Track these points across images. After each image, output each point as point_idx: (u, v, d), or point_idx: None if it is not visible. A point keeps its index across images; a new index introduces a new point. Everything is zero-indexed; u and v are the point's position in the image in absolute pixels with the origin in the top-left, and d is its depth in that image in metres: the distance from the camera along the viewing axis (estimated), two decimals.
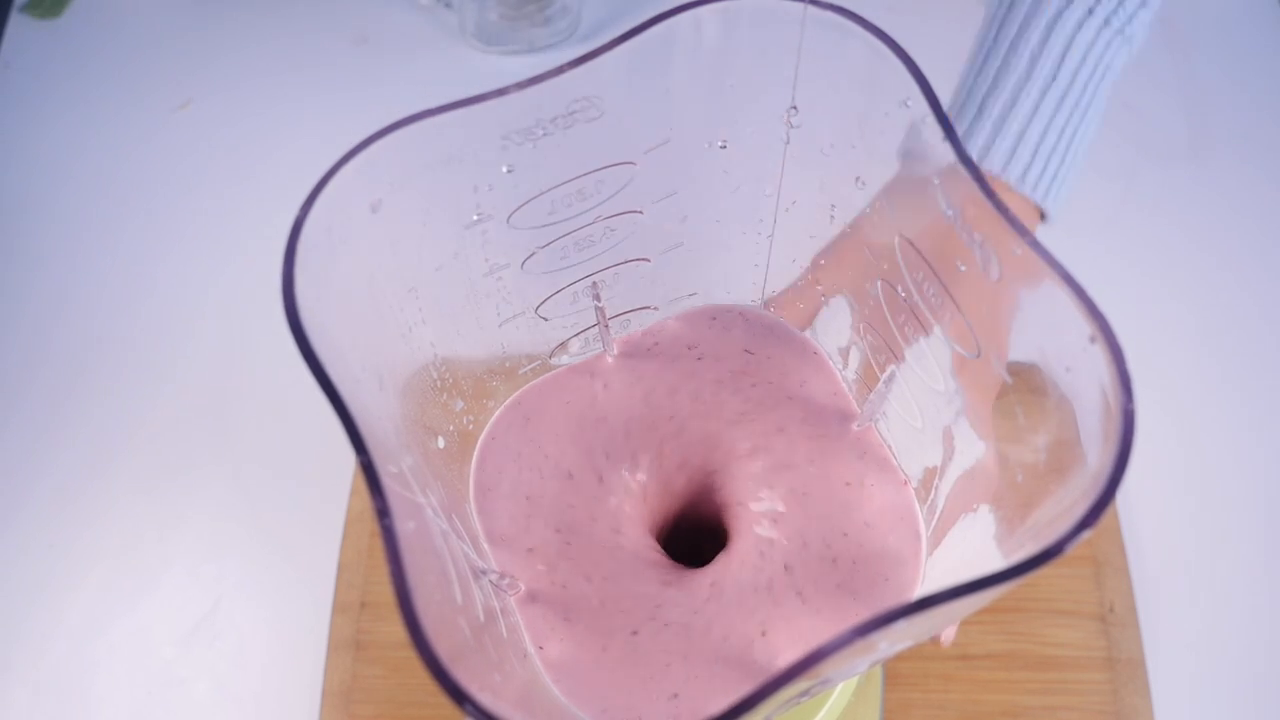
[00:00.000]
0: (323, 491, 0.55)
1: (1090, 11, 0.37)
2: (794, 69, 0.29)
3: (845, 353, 0.36)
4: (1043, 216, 0.39)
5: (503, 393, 0.36)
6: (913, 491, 0.34)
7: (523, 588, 0.33)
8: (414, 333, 0.31)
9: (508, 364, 0.36)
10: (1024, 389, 0.27)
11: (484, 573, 0.31)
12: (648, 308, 0.37)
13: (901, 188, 0.28)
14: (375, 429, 0.24)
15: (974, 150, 0.37)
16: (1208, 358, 0.58)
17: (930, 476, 0.32)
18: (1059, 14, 0.37)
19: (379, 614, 0.51)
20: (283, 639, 0.52)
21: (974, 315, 0.27)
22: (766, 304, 0.36)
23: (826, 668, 0.21)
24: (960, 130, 0.37)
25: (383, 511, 0.22)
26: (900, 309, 0.30)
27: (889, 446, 0.35)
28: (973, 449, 0.29)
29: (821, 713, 0.38)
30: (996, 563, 0.26)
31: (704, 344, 0.37)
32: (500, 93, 0.27)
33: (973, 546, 0.29)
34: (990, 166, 0.37)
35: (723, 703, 0.28)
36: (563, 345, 0.36)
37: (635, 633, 0.32)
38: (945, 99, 0.26)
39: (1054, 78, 0.37)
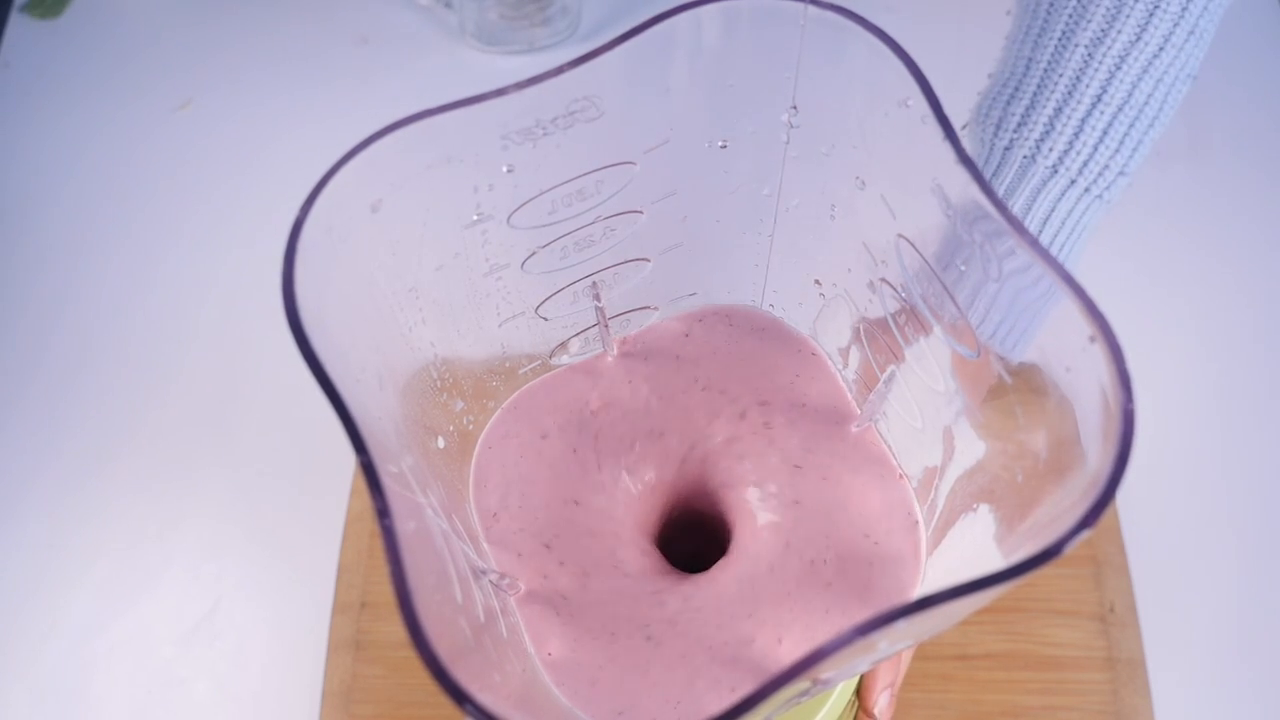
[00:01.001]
0: (323, 491, 0.55)
1: (1072, 182, 0.37)
2: (794, 69, 0.29)
3: (845, 353, 0.36)
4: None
5: (503, 393, 0.36)
6: (912, 491, 0.34)
7: (523, 588, 0.33)
8: (414, 332, 0.31)
9: (508, 364, 0.36)
10: (1024, 389, 0.27)
11: (484, 573, 0.31)
12: (648, 308, 0.37)
13: (898, 177, 0.28)
14: (375, 429, 0.24)
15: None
16: (1208, 357, 0.58)
17: (930, 476, 0.32)
18: (1043, 184, 0.38)
19: (379, 614, 0.51)
20: (283, 639, 0.52)
21: (975, 316, 0.27)
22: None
23: (827, 668, 0.21)
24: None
25: (383, 511, 0.22)
26: (900, 309, 0.30)
27: (889, 446, 0.35)
28: (973, 449, 0.29)
29: (821, 713, 0.38)
30: (996, 562, 0.26)
31: (704, 344, 0.37)
32: (500, 93, 0.27)
33: (973, 546, 0.29)
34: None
35: (722, 703, 0.28)
36: (563, 345, 0.36)
37: (636, 634, 0.32)
38: (944, 98, 0.26)
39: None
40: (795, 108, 0.30)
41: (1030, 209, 0.38)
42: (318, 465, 0.55)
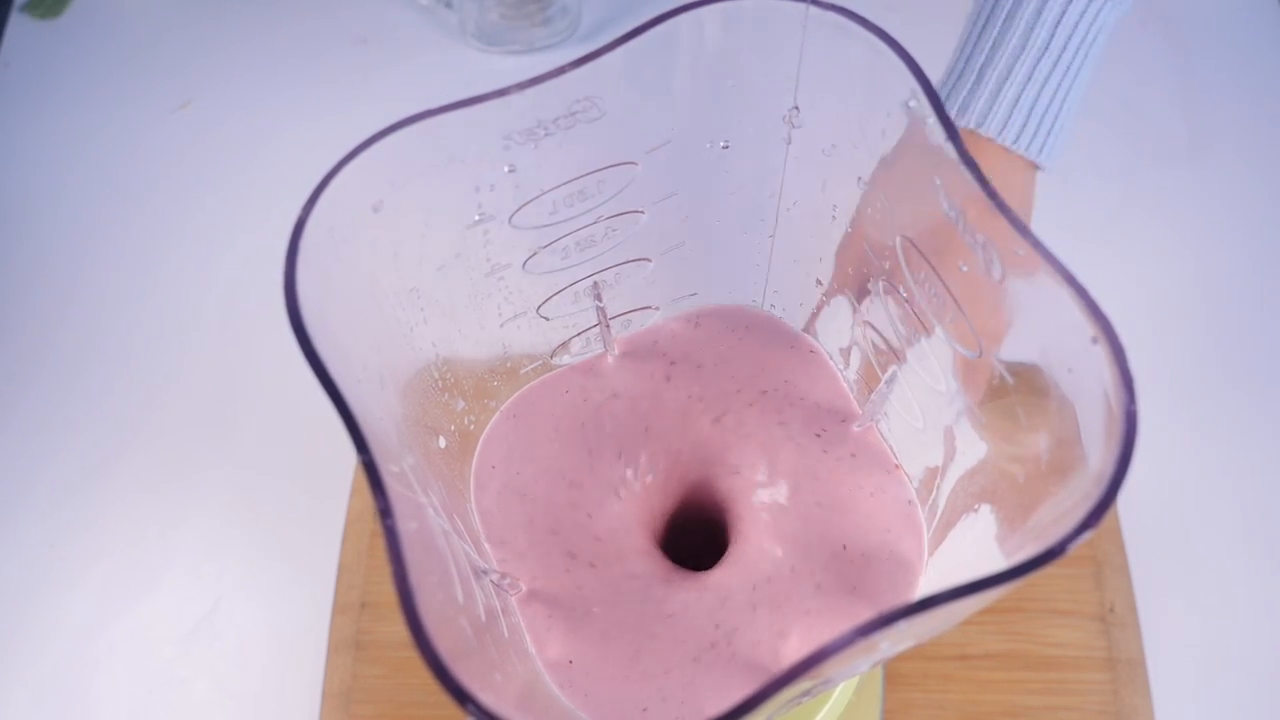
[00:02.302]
0: (323, 491, 0.55)
1: None
2: (795, 69, 0.29)
3: (846, 353, 0.36)
4: (1039, 168, 0.41)
5: (504, 393, 0.36)
6: (914, 492, 0.34)
7: (523, 588, 0.33)
8: (415, 332, 0.31)
9: (509, 364, 0.36)
10: (1026, 390, 0.27)
11: (485, 572, 0.31)
12: (649, 308, 0.37)
13: (899, 177, 0.28)
14: (376, 428, 0.24)
15: (970, 117, 0.39)
16: (1209, 358, 0.58)
17: (931, 477, 0.32)
18: None
19: (379, 614, 0.51)
20: (283, 639, 0.52)
21: (975, 315, 0.27)
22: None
23: (828, 668, 0.21)
24: (957, 98, 0.40)
25: (385, 511, 0.22)
26: (902, 310, 0.30)
27: (890, 446, 0.35)
28: (974, 449, 0.29)
29: (822, 712, 0.38)
30: (998, 563, 0.26)
31: (705, 344, 0.37)
32: (501, 93, 0.27)
33: (974, 546, 0.29)
34: (988, 130, 0.39)
35: (724, 703, 0.28)
36: (564, 345, 0.36)
37: (637, 633, 0.32)
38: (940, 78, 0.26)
39: (1048, 46, 0.39)
40: (796, 108, 0.30)
41: (1042, 10, 0.38)
42: (318, 465, 0.55)
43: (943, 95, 0.30)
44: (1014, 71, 0.39)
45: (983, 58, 0.40)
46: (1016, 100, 0.38)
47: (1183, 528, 0.53)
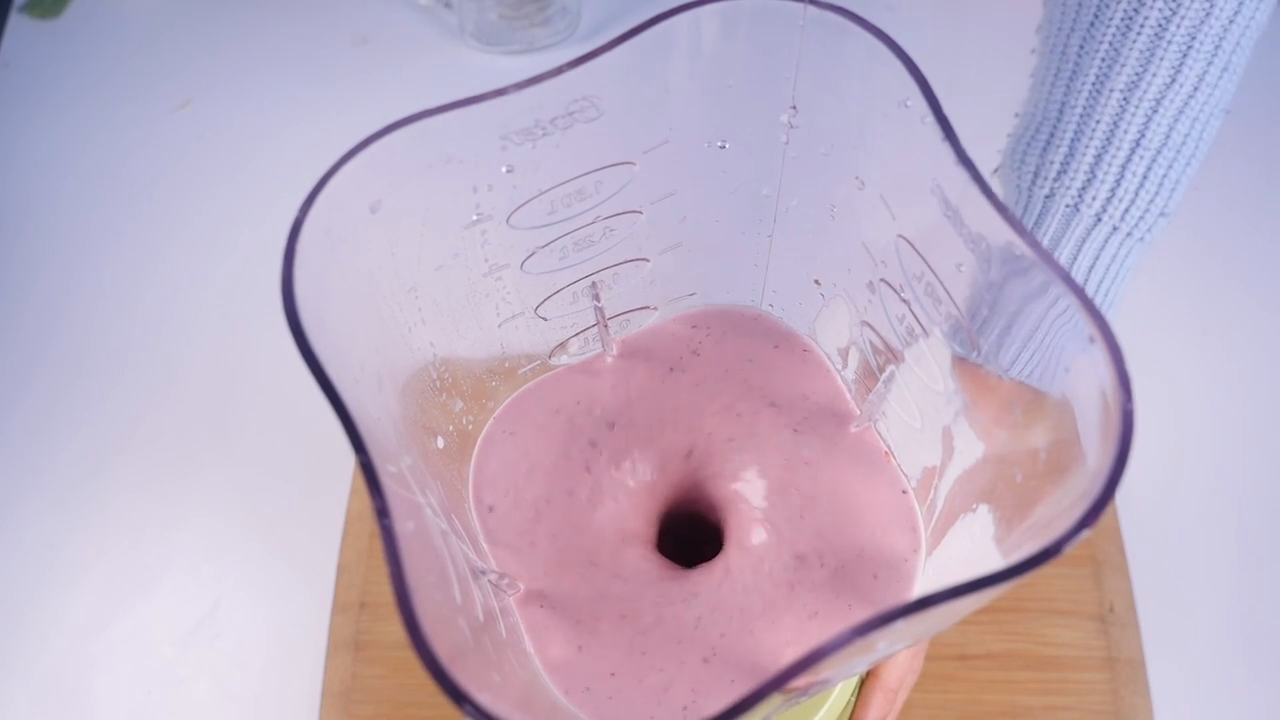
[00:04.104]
0: (322, 491, 0.55)
1: (1115, 228, 0.37)
2: (793, 69, 0.29)
3: (844, 353, 0.36)
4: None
5: (502, 393, 0.36)
6: (912, 491, 0.34)
7: (522, 588, 0.33)
8: (413, 333, 0.31)
9: (507, 364, 0.36)
10: (1023, 389, 0.27)
11: (483, 573, 0.31)
12: (647, 308, 0.37)
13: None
14: (374, 429, 0.24)
15: (982, 354, 0.35)
16: (1207, 357, 0.58)
17: (929, 476, 0.32)
18: (1088, 233, 0.37)
19: (379, 614, 0.51)
20: (282, 639, 0.52)
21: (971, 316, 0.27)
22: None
23: (825, 668, 0.21)
24: (977, 330, 0.35)
25: (382, 511, 0.22)
26: (900, 309, 0.30)
27: (888, 446, 0.35)
28: (972, 449, 0.29)
29: (821, 712, 0.38)
30: (995, 562, 0.26)
31: (703, 345, 0.37)
32: (499, 93, 0.27)
33: (972, 546, 0.29)
34: (994, 368, 0.37)
35: (722, 702, 0.28)
36: (562, 345, 0.36)
37: (635, 633, 0.32)
38: (944, 99, 0.26)
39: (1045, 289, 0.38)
40: (795, 108, 0.30)
41: (1076, 257, 0.37)
42: (317, 465, 0.55)
43: (973, 344, 0.29)
44: (1032, 313, 0.37)
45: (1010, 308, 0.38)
46: (1028, 339, 0.37)
47: (1182, 528, 0.53)
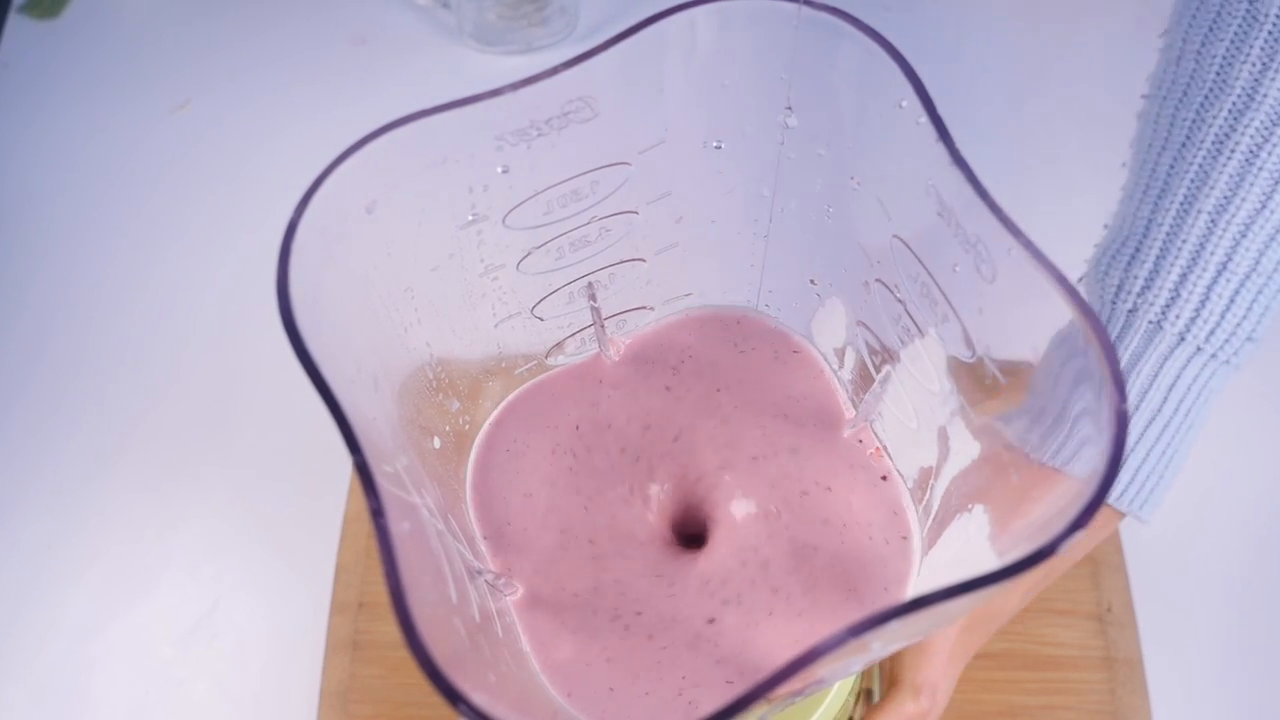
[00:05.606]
0: (321, 492, 0.55)
1: (1199, 349, 0.37)
2: (789, 70, 0.29)
3: (841, 353, 0.36)
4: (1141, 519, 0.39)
5: (499, 393, 0.36)
6: (908, 492, 0.34)
7: (518, 588, 0.33)
8: (409, 333, 0.31)
9: (504, 364, 0.36)
10: (1019, 389, 0.27)
11: (480, 573, 0.31)
12: (643, 308, 0.37)
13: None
14: (370, 429, 0.24)
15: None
16: None
17: (925, 477, 0.32)
18: (1170, 351, 0.37)
19: (377, 614, 0.51)
20: (281, 639, 0.52)
21: (969, 316, 0.27)
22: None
23: (820, 668, 0.21)
24: (1051, 446, 0.32)
25: (377, 511, 0.22)
26: (896, 310, 0.30)
27: (884, 447, 0.35)
28: (968, 449, 0.29)
29: (818, 712, 0.38)
30: (990, 562, 0.26)
31: (699, 345, 0.37)
32: (495, 93, 0.27)
33: (967, 546, 0.29)
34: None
35: (718, 702, 0.28)
36: (559, 346, 0.36)
37: (632, 633, 0.32)
38: (939, 100, 0.26)
39: (1159, 409, 0.37)
40: (790, 108, 0.30)
41: (1157, 375, 0.37)
42: (315, 465, 0.55)
43: (1041, 447, 0.28)
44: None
45: None
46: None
47: (1180, 527, 0.53)
